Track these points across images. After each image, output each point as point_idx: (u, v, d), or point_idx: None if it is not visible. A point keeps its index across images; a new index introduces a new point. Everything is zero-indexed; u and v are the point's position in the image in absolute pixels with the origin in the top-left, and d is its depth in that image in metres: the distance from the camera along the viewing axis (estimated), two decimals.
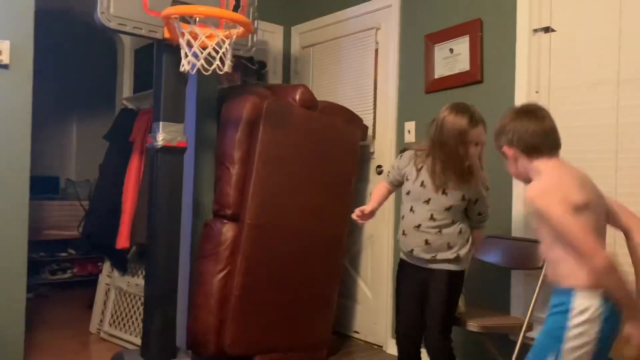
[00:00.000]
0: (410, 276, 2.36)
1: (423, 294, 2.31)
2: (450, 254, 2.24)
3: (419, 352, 2.38)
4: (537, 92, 2.59)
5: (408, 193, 2.30)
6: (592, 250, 1.40)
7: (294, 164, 2.84)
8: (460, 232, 2.26)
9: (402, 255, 2.40)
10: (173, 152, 2.49)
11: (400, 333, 2.39)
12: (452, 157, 2.17)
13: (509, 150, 1.67)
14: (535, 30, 2.62)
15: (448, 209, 2.23)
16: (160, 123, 2.46)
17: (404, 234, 2.32)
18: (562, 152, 2.47)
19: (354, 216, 2.34)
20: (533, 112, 1.66)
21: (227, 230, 2.69)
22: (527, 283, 2.60)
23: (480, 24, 2.83)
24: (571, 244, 1.44)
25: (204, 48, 2.32)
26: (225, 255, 2.67)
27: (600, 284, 1.38)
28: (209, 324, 2.66)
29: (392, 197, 3.32)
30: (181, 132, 2.52)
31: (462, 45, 2.90)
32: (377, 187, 2.48)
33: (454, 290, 2.29)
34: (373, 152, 3.46)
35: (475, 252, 2.34)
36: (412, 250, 2.29)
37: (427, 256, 2.26)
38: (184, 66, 2.32)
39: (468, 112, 2.16)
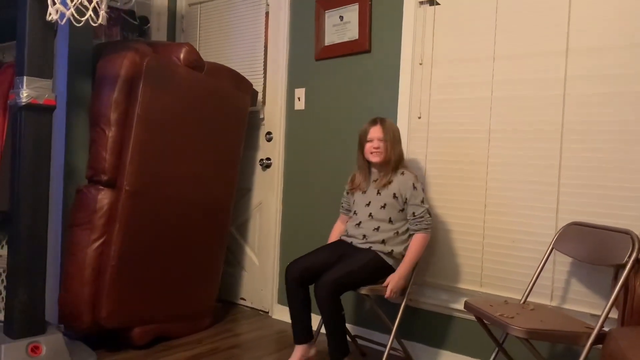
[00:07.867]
0: (341, 242, 2.52)
1: (343, 256, 2.38)
2: (383, 247, 2.37)
3: (307, 289, 2.37)
4: (420, 63, 2.67)
5: (354, 202, 2.53)
6: None
7: (177, 128, 2.69)
8: (397, 233, 2.38)
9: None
10: (40, 111, 2.28)
11: (293, 265, 2.38)
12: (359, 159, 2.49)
13: None
14: (421, 3, 2.67)
15: (383, 206, 2.39)
16: (25, 78, 2.23)
17: (347, 233, 2.51)
18: (439, 123, 2.60)
19: None
20: None
21: (103, 197, 2.51)
22: None
23: None
24: None
25: None
26: (100, 224, 2.49)
27: None
28: (83, 295, 2.49)
29: (280, 163, 3.30)
30: (49, 88, 2.30)
31: (352, 14, 2.90)
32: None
33: (375, 268, 2.35)
34: (263, 119, 3.40)
35: (411, 256, 2.33)
36: (351, 242, 2.46)
37: (363, 246, 2.41)
38: (51, 15, 2.12)
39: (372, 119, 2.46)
